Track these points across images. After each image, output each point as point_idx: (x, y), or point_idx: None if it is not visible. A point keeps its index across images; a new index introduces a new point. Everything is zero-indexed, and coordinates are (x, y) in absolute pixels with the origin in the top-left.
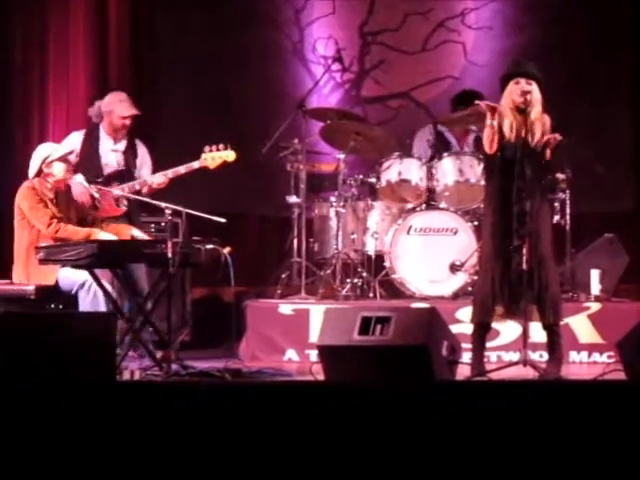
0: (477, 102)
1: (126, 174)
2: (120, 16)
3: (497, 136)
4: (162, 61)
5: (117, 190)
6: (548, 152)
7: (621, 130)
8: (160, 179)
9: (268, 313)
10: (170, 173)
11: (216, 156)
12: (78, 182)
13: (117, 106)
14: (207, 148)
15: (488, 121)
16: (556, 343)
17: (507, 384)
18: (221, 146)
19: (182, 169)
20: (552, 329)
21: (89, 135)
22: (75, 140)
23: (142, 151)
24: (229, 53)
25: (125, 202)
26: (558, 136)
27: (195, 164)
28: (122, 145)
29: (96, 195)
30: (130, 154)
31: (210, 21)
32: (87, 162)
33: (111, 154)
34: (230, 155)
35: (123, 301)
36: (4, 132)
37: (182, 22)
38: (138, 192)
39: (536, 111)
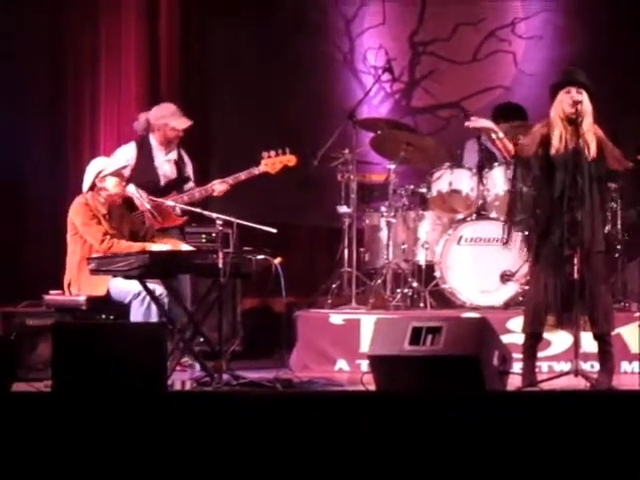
0: (467, 124)
1: (181, 183)
2: (171, 28)
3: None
4: (212, 72)
5: (170, 201)
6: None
7: None
8: (221, 186)
9: (319, 323)
10: (231, 179)
11: (277, 161)
12: (131, 193)
13: (171, 119)
14: (265, 154)
15: (493, 135)
16: (608, 353)
17: (558, 394)
18: (280, 151)
19: (243, 175)
20: (603, 339)
21: (141, 148)
22: (127, 153)
23: (187, 160)
24: (279, 64)
25: (179, 211)
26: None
27: (255, 170)
28: (174, 155)
29: (147, 206)
30: (181, 163)
31: (260, 32)
32: (143, 174)
33: (166, 164)
34: (291, 159)
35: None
36: (56, 147)
37: (233, 33)
38: (192, 201)
39: (587, 122)
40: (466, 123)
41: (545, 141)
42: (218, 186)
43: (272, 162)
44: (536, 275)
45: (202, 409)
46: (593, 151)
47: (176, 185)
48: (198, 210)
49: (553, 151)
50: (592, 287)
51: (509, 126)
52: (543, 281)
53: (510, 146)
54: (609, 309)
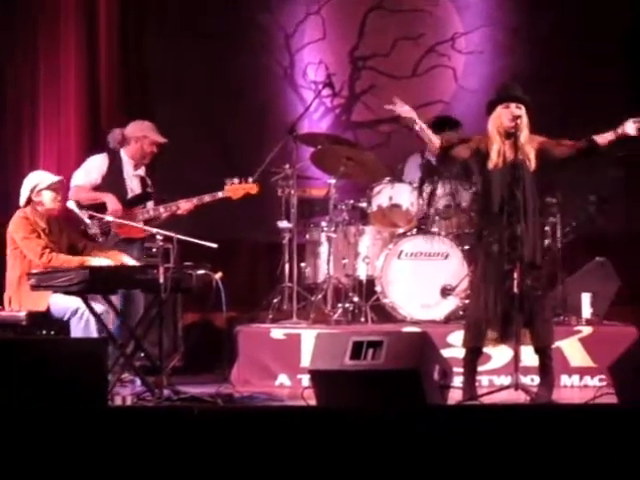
0: (387, 106)
1: (146, 198)
2: (110, 46)
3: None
4: (153, 90)
5: (109, 216)
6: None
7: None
8: (186, 205)
9: (260, 338)
10: (195, 200)
11: (239, 188)
12: (71, 208)
13: (150, 132)
14: (229, 180)
15: (416, 127)
16: (547, 367)
17: (498, 408)
18: (243, 179)
19: (207, 197)
20: (544, 352)
21: (112, 160)
22: (98, 163)
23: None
24: (220, 79)
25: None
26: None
27: (219, 194)
28: (142, 171)
29: (87, 221)
30: (147, 180)
31: (200, 48)
32: (113, 187)
33: (134, 179)
34: (253, 188)
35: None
36: None
37: (172, 50)
38: (157, 217)
39: (525, 135)
40: (386, 106)
41: (481, 155)
42: (183, 205)
43: (235, 188)
44: (476, 290)
45: (143, 424)
46: (533, 162)
47: (141, 201)
48: (139, 225)
49: (491, 166)
50: (532, 301)
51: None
52: (483, 296)
53: (435, 139)
54: (549, 323)
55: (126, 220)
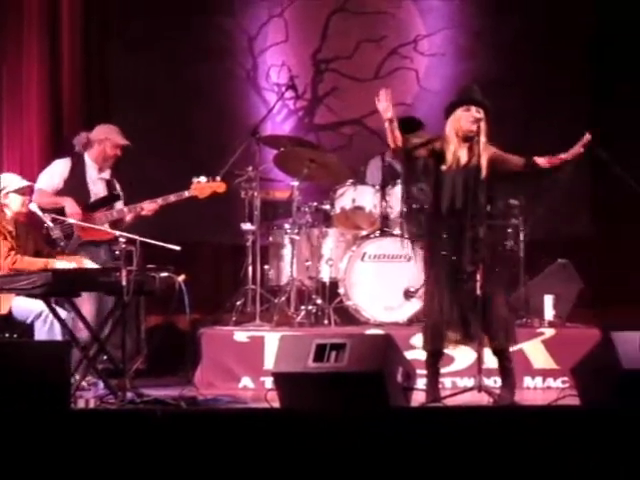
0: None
1: (112, 200)
2: (72, 52)
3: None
4: (116, 95)
5: (72, 219)
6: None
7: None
8: (150, 206)
9: (223, 341)
10: (160, 200)
11: (206, 186)
12: (33, 211)
13: (113, 135)
14: (196, 179)
15: (386, 124)
16: (507, 369)
17: (462, 410)
18: (210, 177)
19: (172, 197)
20: (503, 354)
21: (76, 164)
22: (61, 168)
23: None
24: (183, 83)
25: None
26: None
27: (185, 193)
28: (107, 174)
29: (50, 224)
30: (113, 183)
31: (163, 53)
32: (75, 190)
33: (98, 183)
34: (221, 186)
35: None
36: None
37: (135, 56)
38: (122, 218)
39: (483, 140)
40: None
41: (436, 155)
42: (147, 205)
43: (202, 187)
44: (430, 293)
45: (106, 427)
46: (485, 169)
47: (106, 203)
48: (102, 228)
49: (445, 167)
50: (492, 303)
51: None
52: (437, 299)
53: (399, 136)
54: (509, 324)
55: (88, 223)
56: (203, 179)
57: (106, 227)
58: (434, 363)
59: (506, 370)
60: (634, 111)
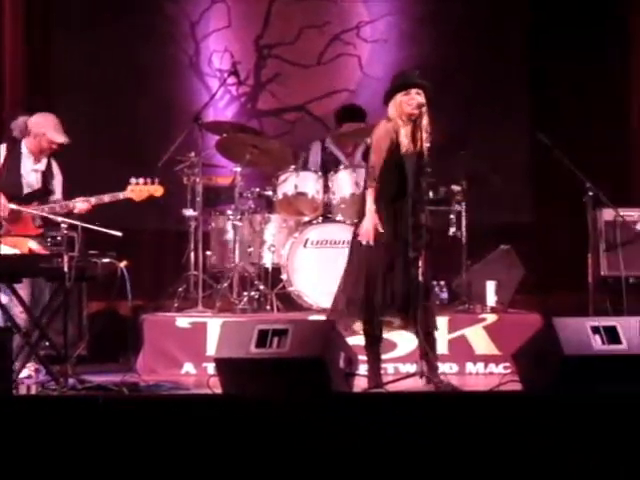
0: None
1: (46, 194)
2: (14, 40)
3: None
4: (58, 82)
5: (13, 205)
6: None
7: (519, 143)
8: (83, 205)
9: (165, 327)
10: (94, 200)
11: (144, 189)
12: None
13: (51, 132)
14: (134, 180)
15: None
16: (434, 350)
17: (403, 396)
18: (148, 180)
19: (106, 198)
20: (432, 335)
21: (11, 152)
22: None
23: (57, 171)
24: (126, 68)
25: (39, 221)
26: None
27: (120, 195)
28: (42, 165)
29: None
30: (48, 174)
31: (106, 39)
32: (8, 179)
33: (32, 174)
34: (158, 190)
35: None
36: None
37: (78, 42)
38: (54, 214)
39: (425, 122)
40: None
41: (392, 141)
42: (80, 204)
43: (139, 190)
44: (370, 277)
45: (47, 413)
46: (426, 148)
47: (40, 196)
48: (43, 214)
49: (403, 150)
50: (427, 287)
51: (351, 131)
52: (380, 283)
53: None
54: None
55: (17, 218)
56: (141, 181)
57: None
58: (374, 349)
59: (433, 349)
60: (572, 97)
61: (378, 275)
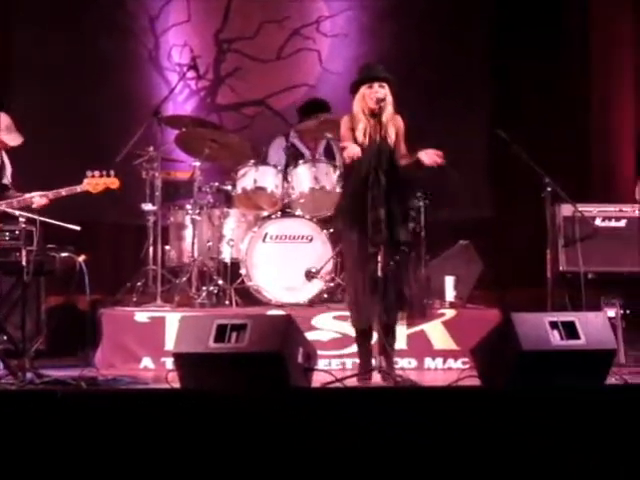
0: None
1: (1, 190)
2: None
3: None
4: (19, 73)
5: None
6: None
7: (478, 139)
8: (41, 200)
9: (124, 321)
10: (51, 194)
11: (100, 182)
12: None
13: (2, 133)
14: (90, 173)
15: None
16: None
17: (362, 391)
18: (104, 172)
19: (64, 191)
20: (392, 330)
21: None
22: None
23: (8, 165)
24: (86, 62)
25: None
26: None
27: (77, 188)
28: None
29: None
30: (2, 169)
31: (66, 31)
32: None
33: None
34: (114, 182)
35: None
36: None
37: (39, 36)
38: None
39: (387, 112)
40: None
41: (350, 135)
42: (38, 199)
43: (95, 182)
44: (348, 272)
45: (5, 408)
46: (392, 141)
47: None
48: (1, 209)
49: (358, 144)
50: (398, 284)
51: (316, 122)
52: (355, 279)
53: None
54: (416, 301)
55: None
56: (97, 173)
57: None
58: (362, 342)
59: (384, 346)
60: (533, 94)
61: (349, 270)
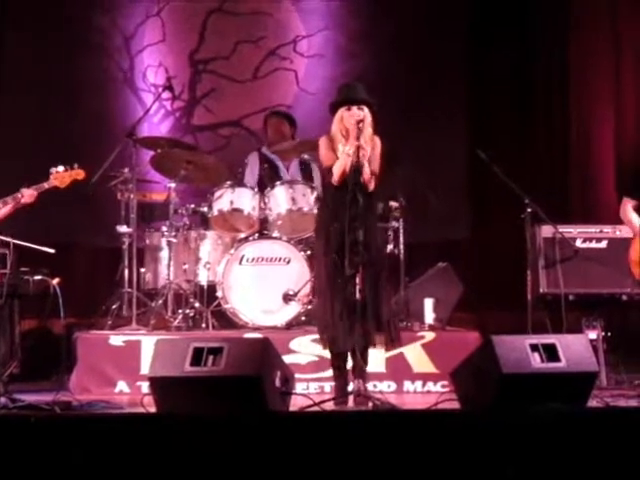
0: None
1: None
2: None
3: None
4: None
5: None
6: (372, 184)
7: (456, 159)
8: (30, 192)
9: (98, 345)
10: (20, 195)
11: (65, 175)
12: None
13: None
14: (54, 169)
15: (348, 149)
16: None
17: (340, 415)
18: (68, 166)
19: (31, 190)
20: (364, 355)
21: None
22: None
23: None
24: (60, 82)
25: None
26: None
27: (45, 184)
28: None
29: None
30: None
31: (43, 51)
32: None
33: None
34: (80, 173)
35: None
36: None
37: (14, 52)
38: None
39: (366, 134)
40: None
41: (335, 156)
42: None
43: (61, 176)
44: (323, 295)
45: None
46: (367, 169)
47: None
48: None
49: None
50: (375, 307)
51: (296, 143)
52: (330, 301)
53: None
54: (392, 326)
55: None
56: (61, 168)
57: None
58: (339, 366)
59: (362, 370)
60: (511, 112)
61: (325, 293)
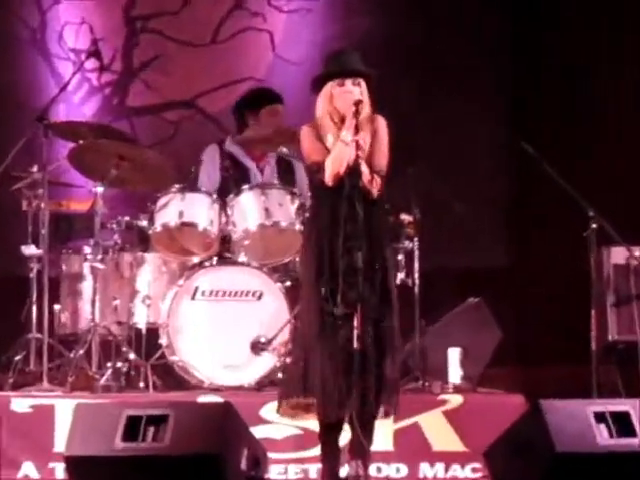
0: None
1: None
2: None
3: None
4: None
5: None
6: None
7: (493, 158)
8: None
9: None
10: None
11: None
12: None
13: None
14: None
15: (345, 134)
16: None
17: None
18: None
19: None
20: (371, 425)
21: None
22: None
23: None
24: None
25: None
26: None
27: None
28: None
29: None
30: None
31: None
32: None
33: None
34: None
35: None
36: None
37: None
38: None
39: (363, 115)
40: None
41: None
42: None
43: None
44: (307, 343)
45: None
46: (367, 151)
47: None
48: None
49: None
50: (378, 359)
51: (272, 132)
52: (318, 351)
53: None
54: (396, 389)
55: None
56: None
57: None
58: (329, 441)
59: (363, 446)
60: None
61: (310, 339)
